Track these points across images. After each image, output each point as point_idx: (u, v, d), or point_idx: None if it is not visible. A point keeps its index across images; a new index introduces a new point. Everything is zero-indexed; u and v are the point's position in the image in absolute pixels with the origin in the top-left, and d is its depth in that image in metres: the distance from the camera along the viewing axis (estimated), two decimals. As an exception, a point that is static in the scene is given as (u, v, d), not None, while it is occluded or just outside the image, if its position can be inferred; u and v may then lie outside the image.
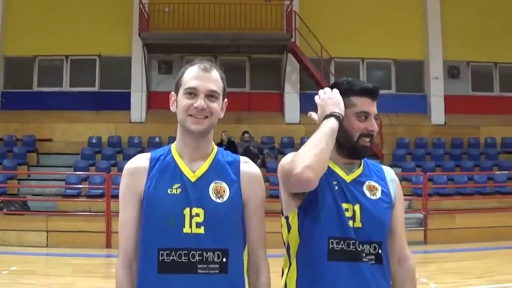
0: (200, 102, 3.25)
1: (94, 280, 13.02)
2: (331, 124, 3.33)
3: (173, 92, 3.41)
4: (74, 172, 21.65)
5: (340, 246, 3.34)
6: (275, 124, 25.30)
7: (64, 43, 25.32)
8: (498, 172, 23.16)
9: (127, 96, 25.42)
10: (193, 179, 3.29)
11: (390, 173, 3.67)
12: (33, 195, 21.45)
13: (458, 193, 22.19)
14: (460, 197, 21.85)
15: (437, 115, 26.40)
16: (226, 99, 3.42)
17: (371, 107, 3.48)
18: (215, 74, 3.36)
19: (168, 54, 25.94)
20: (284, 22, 25.22)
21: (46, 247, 18.39)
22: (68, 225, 18.48)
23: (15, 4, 25.65)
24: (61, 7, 25.45)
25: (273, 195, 13.60)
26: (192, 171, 3.32)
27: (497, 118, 26.18)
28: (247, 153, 22.14)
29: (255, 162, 19.53)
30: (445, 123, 26.31)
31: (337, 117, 3.35)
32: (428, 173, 21.35)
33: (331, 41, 24.90)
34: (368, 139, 3.47)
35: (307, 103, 21.25)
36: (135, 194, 3.31)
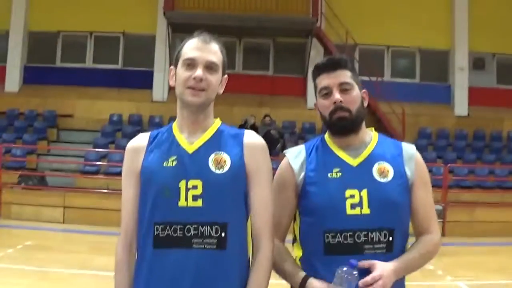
0: (198, 72, 3.19)
1: (110, 258, 12.95)
2: None
3: (172, 66, 3.38)
4: (94, 149, 21.68)
5: (336, 240, 3.23)
6: (297, 109, 25.16)
7: (88, 19, 25.34)
8: (519, 167, 23.01)
9: (150, 75, 25.36)
10: (190, 151, 3.23)
11: (409, 150, 3.51)
12: (51, 170, 21.51)
13: (479, 186, 22.07)
14: (480, 190, 21.74)
15: (461, 106, 26.21)
16: (226, 76, 3.36)
17: (330, 79, 3.36)
18: (215, 46, 3.33)
19: (192, 34, 25.82)
20: (310, 6, 25.03)
21: (63, 223, 18.45)
22: (85, 202, 18.51)
23: (41, -22, 25.65)
24: (87, -17, 25.44)
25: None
26: (190, 142, 3.25)
27: (522, 112, 25.97)
28: (267, 136, 22.08)
29: (275, 146, 19.47)
30: (468, 115, 26.11)
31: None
32: (449, 165, 21.26)
33: (356, 27, 24.75)
34: (339, 112, 3.33)
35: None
36: (133, 172, 3.28)
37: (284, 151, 3.54)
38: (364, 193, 3.26)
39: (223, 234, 3.10)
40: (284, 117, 24.28)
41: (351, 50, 25.10)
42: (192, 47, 3.30)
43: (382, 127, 24.28)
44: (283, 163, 3.48)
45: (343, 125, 3.35)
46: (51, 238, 16.01)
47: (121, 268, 3.25)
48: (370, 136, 3.50)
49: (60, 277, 11.10)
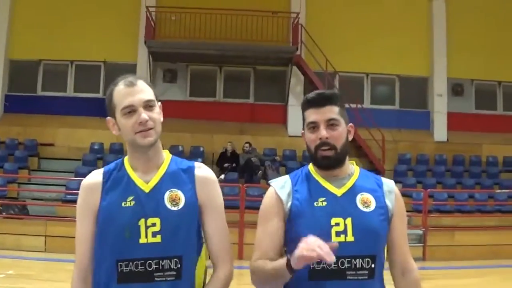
0: (143, 116, 3.27)
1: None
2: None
3: (109, 118, 3.44)
4: (75, 178, 21.62)
5: (321, 266, 3.29)
6: (278, 136, 25.25)
7: (70, 48, 25.35)
8: (498, 191, 23.16)
9: (131, 103, 25.29)
10: (147, 190, 3.34)
11: (389, 184, 3.60)
12: (32, 199, 21.45)
13: (458, 210, 22.18)
14: (460, 215, 21.84)
15: (440, 132, 26.42)
16: (160, 103, 3.43)
17: (318, 115, 3.42)
18: (142, 84, 3.38)
19: (173, 62, 26.00)
20: (290, 35, 25.24)
21: (44, 251, 18.39)
22: (66, 231, 18.38)
23: (21, 7, 25.65)
24: (67, 12, 25.44)
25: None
26: (145, 181, 3.36)
27: (500, 137, 26.18)
28: (248, 164, 22.14)
29: (256, 174, 19.58)
30: (447, 140, 26.32)
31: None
32: (429, 190, 21.36)
33: (336, 55, 24.92)
34: (326, 148, 3.41)
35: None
36: (90, 210, 3.36)
37: (270, 181, 3.60)
38: (349, 221, 3.34)
39: (179, 266, 3.26)
40: (264, 144, 24.33)
41: (331, 77, 25.30)
42: (122, 94, 3.34)
43: (362, 154, 24.44)
44: (270, 193, 3.53)
45: (328, 163, 3.45)
46: (32, 267, 15.93)
47: None
48: (353, 169, 3.58)
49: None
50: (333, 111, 3.45)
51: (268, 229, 3.42)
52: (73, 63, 26.24)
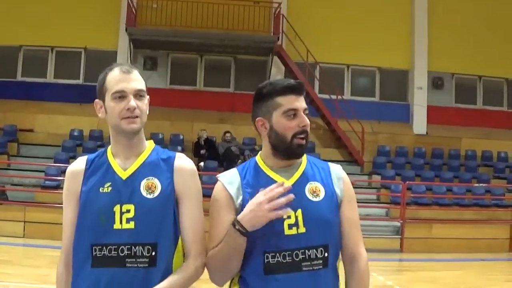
0: (132, 102, 3.34)
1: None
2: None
3: (97, 100, 3.49)
4: (54, 164, 21.58)
5: (276, 260, 3.30)
6: (258, 126, 25.20)
7: (50, 34, 25.27)
8: (476, 185, 23.30)
9: (111, 90, 25.23)
10: (124, 177, 3.40)
11: (337, 170, 3.57)
12: (12, 185, 21.37)
13: (436, 203, 22.25)
14: (438, 208, 21.93)
15: (419, 125, 26.55)
16: (148, 96, 3.49)
17: (298, 102, 3.42)
18: (136, 74, 3.45)
19: (154, 50, 25.97)
20: (272, 25, 25.26)
21: (23, 237, 18.37)
22: (45, 217, 18.38)
23: (2, -8, 25.54)
24: (49, -2, 25.38)
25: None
26: (124, 169, 3.42)
27: (479, 131, 26.35)
28: (227, 153, 22.17)
29: (236, 163, 19.67)
30: (426, 133, 26.45)
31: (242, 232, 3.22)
32: (407, 182, 21.47)
33: (317, 45, 24.96)
34: (302, 136, 3.40)
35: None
36: (73, 196, 3.45)
37: (217, 176, 3.56)
38: (299, 213, 3.32)
39: (153, 253, 3.30)
40: (244, 134, 24.31)
41: (312, 68, 25.33)
42: (116, 79, 3.40)
43: (341, 145, 24.55)
44: (218, 188, 3.48)
45: (301, 152, 3.45)
46: (11, 252, 15.93)
47: (61, 284, 3.46)
48: (301, 157, 3.57)
49: (21, 291, 11.09)
50: (305, 101, 3.48)
51: (219, 225, 3.37)
52: (54, 49, 26.13)
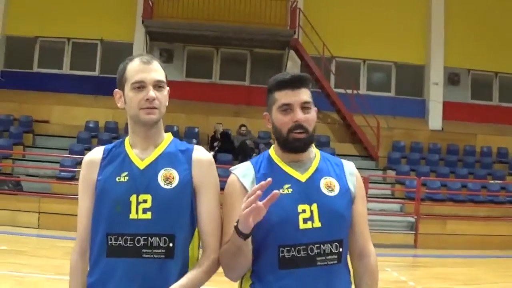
0: (151, 93, 3.34)
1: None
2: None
3: (117, 89, 3.56)
4: (70, 155, 21.65)
5: (291, 254, 3.28)
6: (273, 120, 25.20)
7: (67, 25, 25.32)
8: (491, 181, 23.23)
9: (127, 82, 25.26)
10: (141, 167, 3.39)
11: (349, 167, 3.59)
12: (27, 175, 21.46)
13: (451, 199, 22.24)
14: (452, 204, 21.92)
15: (435, 120, 26.48)
16: (168, 87, 3.50)
17: (293, 97, 3.38)
18: (157, 64, 3.47)
19: (170, 43, 25.98)
20: (288, 19, 25.20)
21: (38, 228, 18.46)
22: (60, 208, 18.45)
23: (20, -17, 25.61)
24: (66, -11, 25.44)
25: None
26: (141, 159, 3.41)
27: (494, 127, 26.28)
28: (243, 146, 22.17)
29: (251, 156, 19.63)
30: (442, 129, 26.38)
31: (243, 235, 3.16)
32: (422, 178, 21.44)
33: (333, 40, 24.95)
34: (299, 131, 3.37)
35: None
36: (89, 185, 3.44)
37: (231, 169, 3.54)
38: (315, 207, 3.32)
39: (171, 245, 3.28)
40: (260, 127, 24.27)
41: (328, 62, 25.32)
42: (136, 69, 3.43)
43: (356, 140, 24.51)
44: (232, 181, 3.47)
45: (300, 146, 3.42)
46: (26, 243, 15.95)
47: (75, 274, 3.45)
48: (313, 152, 3.56)
49: (36, 282, 11.10)
50: (307, 94, 3.43)
51: (232, 218, 3.32)
52: (70, 41, 26.19)
